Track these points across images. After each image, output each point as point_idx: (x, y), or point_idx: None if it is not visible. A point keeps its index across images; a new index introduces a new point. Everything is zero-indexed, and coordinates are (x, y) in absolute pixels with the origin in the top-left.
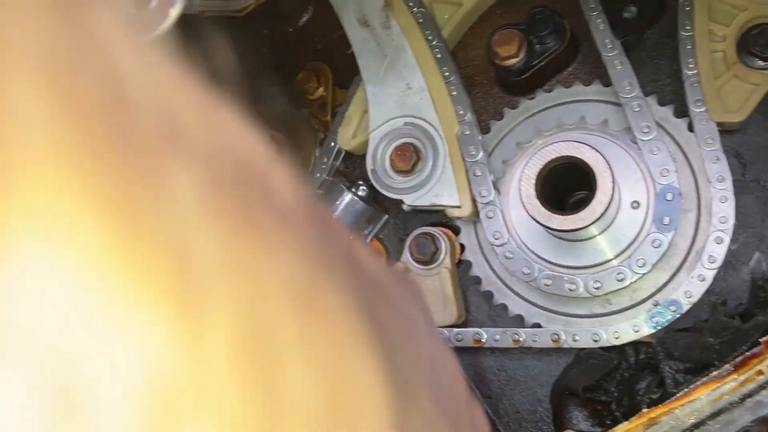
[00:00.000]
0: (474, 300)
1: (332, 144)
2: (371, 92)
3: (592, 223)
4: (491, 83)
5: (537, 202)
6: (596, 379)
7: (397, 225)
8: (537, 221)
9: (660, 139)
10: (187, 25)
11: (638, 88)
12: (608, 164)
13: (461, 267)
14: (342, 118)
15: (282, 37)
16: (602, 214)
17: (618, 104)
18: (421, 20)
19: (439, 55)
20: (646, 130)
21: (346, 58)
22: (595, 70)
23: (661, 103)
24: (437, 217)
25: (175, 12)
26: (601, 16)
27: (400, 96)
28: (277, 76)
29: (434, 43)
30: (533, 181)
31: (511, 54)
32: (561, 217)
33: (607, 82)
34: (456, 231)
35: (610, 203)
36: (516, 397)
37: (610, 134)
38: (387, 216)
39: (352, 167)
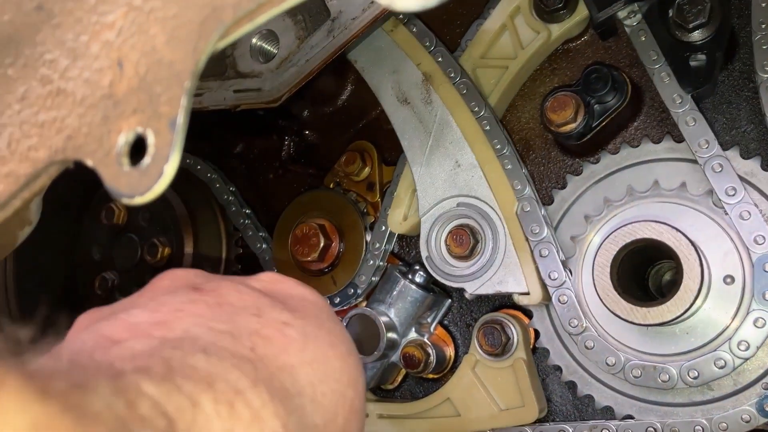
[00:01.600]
0: (556, 389)
1: (383, 228)
2: (418, 173)
3: (681, 314)
4: (550, 146)
5: (615, 294)
6: None
7: (462, 309)
8: (617, 316)
9: (749, 200)
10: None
11: (716, 145)
12: (692, 244)
13: (537, 353)
14: (391, 200)
15: (323, 118)
16: (693, 302)
17: (695, 161)
18: (464, 91)
19: (487, 127)
20: (732, 192)
21: (390, 132)
22: (666, 122)
23: (745, 156)
24: (506, 297)
25: (170, 169)
26: (666, 68)
27: (450, 174)
28: (321, 159)
29: (481, 114)
30: (608, 270)
31: (568, 120)
32: (645, 309)
33: (679, 137)
34: (529, 314)
35: (700, 289)
36: None
37: (689, 199)
38: (450, 300)
39: (407, 248)
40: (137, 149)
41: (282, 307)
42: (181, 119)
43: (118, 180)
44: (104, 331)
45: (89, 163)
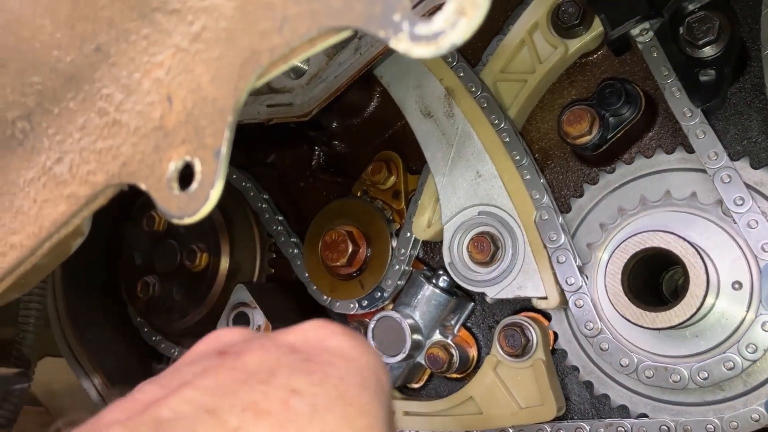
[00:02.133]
0: (574, 388)
1: (408, 234)
2: (440, 183)
3: (688, 319)
4: (568, 156)
5: (626, 300)
6: None
7: (484, 312)
8: (628, 320)
9: (756, 210)
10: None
11: (725, 157)
12: (698, 253)
13: (556, 354)
14: (415, 208)
15: (351, 130)
16: (698, 308)
17: (706, 171)
18: (485, 105)
19: (507, 139)
20: (740, 202)
21: (415, 142)
22: (678, 133)
23: (755, 166)
24: (526, 301)
25: (215, 193)
26: (677, 83)
27: (471, 185)
28: (349, 168)
29: (501, 126)
30: (619, 277)
31: (584, 132)
32: (653, 314)
33: (691, 147)
34: (548, 317)
35: (705, 295)
36: None
37: (700, 208)
38: (473, 304)
39: (432, 253)
40: (185, 175)
41: (301, 370)
42: (225, 150)
43: (169, 203)
44: (105, 413)
45: (143, 187)
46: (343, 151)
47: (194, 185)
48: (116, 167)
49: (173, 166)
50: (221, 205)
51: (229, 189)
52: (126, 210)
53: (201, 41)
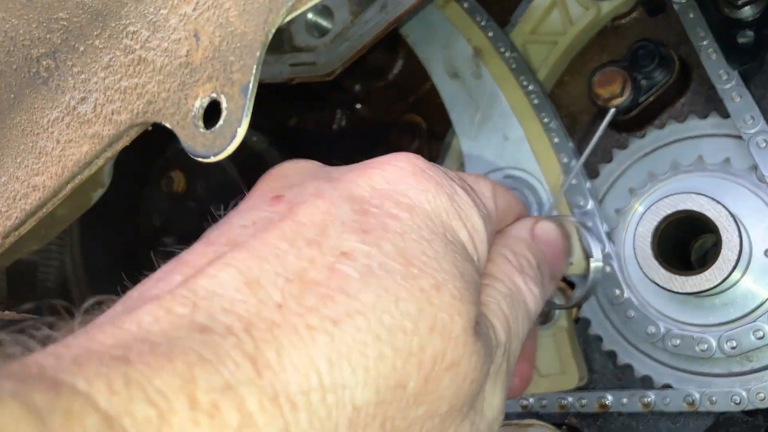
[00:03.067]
0: (597, 358)
1: None
2: (466, 146)
3: (719, 284)
4: (597, 121)
5: (655, 263)
6: None
7: None
8: (656, 284)
9: None
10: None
11: (762, 121)
12: (732, 216)
13: (579, 323)
14: None
15: (374, 93)
16: (730, 273)
17: (741, 137)
18: (513, 66)
19: (536, 101)
20: None
21: (440, 106)
22: (712, 99)
23: None
24: None
25: (242, 130)
26: (713, 44)
27: (498, 148)
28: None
29: (530, 88)
30: (649, 240)
31: (615, 94)
32: (683, 278)
33: (725, 113)
34: (572, 284)
35: (738, 260)
36: None
37: (733, 174)
38: None
39: None
40: (211, 113)
41: (355, 225)
42: (252, 86)
43: (195, 141)
44: (148, 283)
45: (168, 125)
46: (365, 115)
47: (220, 122)
48: (141, 106)
49: (199, 103)
50: (240, 167)
51: (248, 151)
52: (146, 173)
53: None
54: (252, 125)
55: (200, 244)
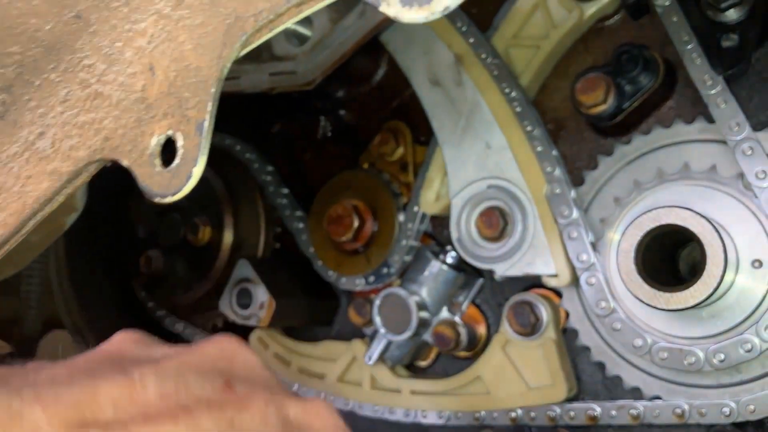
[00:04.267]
0: (586, 368)
1: (415, 208)
2: (449, 155)
3: (704, 300)
4: (582, 127)
5: (639, 279)
6: None
7: (494, 289)
8: (641, 301)
9: None
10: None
11: (747, 128)
12: (716, 231)
13: (567, 334)
14: (423, 180)
15: (357, 99)
16: (716, 288)
17: (727, 143)
18: (495, 72)
19: (518, 109)
20: (762, 176)
21: (423, 112)
22: (698, 102)
23: None
24: (537, 278)
25: (197, 171)
26: (697, 48)
27: (480, 156)
28: (356, 139)
29: (512, 95)
30: (632, 255)
31: (598, 101)
32: (667, 295)
33: (712, 117)
34: (559, 294)
35: (723, 274)
36: None
37: (719, 182)
38: (482, 280)
39: (440, 228)
40: (168, 150)
41: None
42: (207, 124)
43: (152, 180)
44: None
45: (125, 163)
46: (349, 122)
47: (176, 161)
48: (99, 142)
49: (155, 141)
50: (224, 178)
51: (232, 161)
52: (130, 183)
53: (184, 7)
54: (236, 134)
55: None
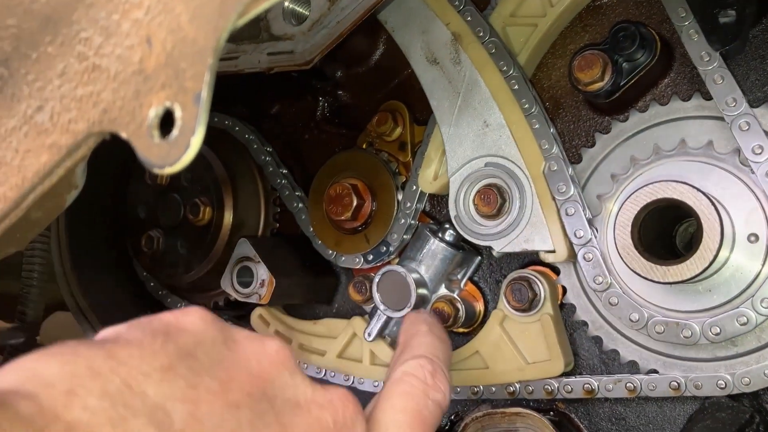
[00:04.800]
0: (583, 343)
1: (414, 187)
2: (447, 133)
3: (700, 273)
4: (580, 104)
5: (635, 253)
6: None
7: (492, 266)
8: (637, 274)
9: None
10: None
11: (744, 104)
12: (713, 204)
13: (565, 309)
14: (421, 160)
15: (356, 79)
16: (712, 261)
17: (724, 119)
18: (493, 50)
19: (516, 87)
20: (759, 151)
21: (422, 92)
22: (695, 79)
23: None
24: (534, 254)
25: (196, 141)
26: (694, 25)
27: (478, 135)
28: (355, 119)
29: (510, 73)
30: (629, 229)
31: (595, 78)
32: (664, 268)
33: (708, 94)
34: (556, 270)
35: (720, 248)
36: None
37: (716, 158)
38: (480, 257)
39: (439, 207)
40: (166, 122)
41: None
42: (205, 94)
43: (150, 151)
44: None
45: (123, 135)
46: (348, 102)
47: (175, 132)
48: (97, 115)
49: (153, 113)
50: (224, 158)
51: (232, 142)
52: (130, 164)
53: None
54: (235, 115)
55: None
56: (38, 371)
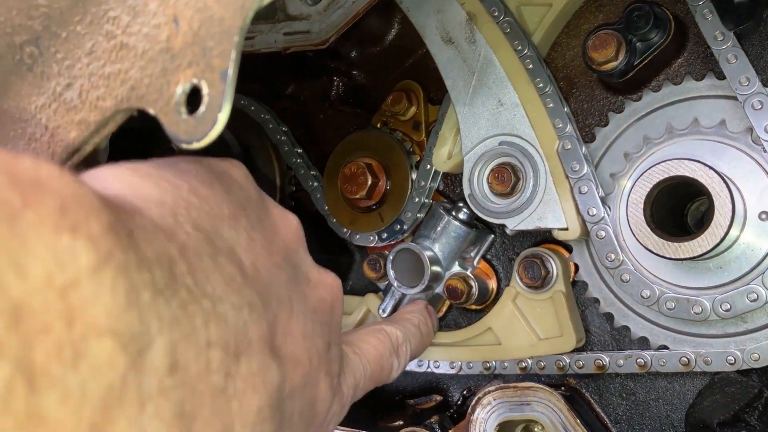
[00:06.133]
0: (594, 320)
1: (428, 166)
2: (461, 112)
3: (712, 248)
4: (593, 84)
5: (648, 230)
6: (734, 410)
7: (505, 244)
8: (649, 250)
9: None
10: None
11: (757, 83)
12: (724, 181)
13: (577, 287)
14: (436, 139)
15: (370, 58)
16: (723, 238)
17: (737, 98)
18: (508, 30)
19: (530, 66)
20: None
21: (436, 71)
22: (709, 59)
23: None
24: (547, 232)
25: (223, 116)
26: (708, 5)
27: (493, 114)
28: (369, 98)
29: (525, 52)
30: (641, 207)
31: (609, 58)
32: (675, 244)
33: (722, 74)
34: (569, 248)
35: (731, 225)
36: (647, 422)
37: (728, 137)
38: (493, 236)
39: (452, 186)
40: (193, 99)
41: None
42: (231, 71)
43: (178, 127)
44: None
45: (151, 111)
46: (362, 82)
47: (202, 108)
48: (125, 92)
49: (180, 89)
50: (240, 138)
51: (248, 122)
52: (148, 144)
53: None
54: (250, 94)
55: None
56: (140, 189)
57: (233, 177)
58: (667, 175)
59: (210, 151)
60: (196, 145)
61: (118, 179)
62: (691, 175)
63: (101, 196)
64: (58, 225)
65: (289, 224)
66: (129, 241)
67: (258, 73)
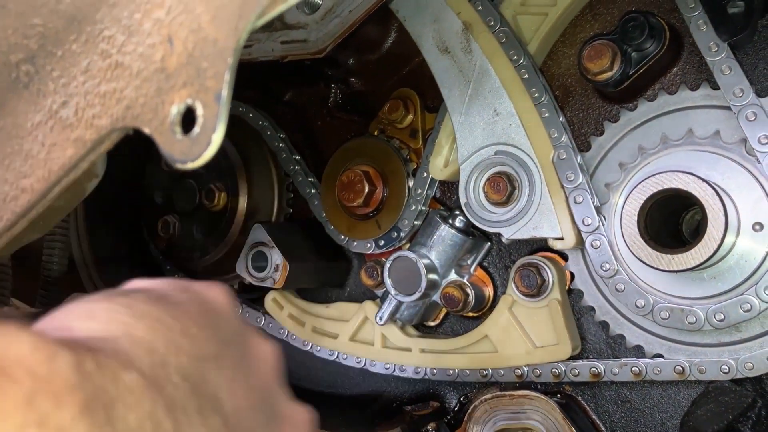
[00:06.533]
0: (590, 328)
1: (425, 174)
2: (457, 122)
3: (705, 261)
4: (589, 92)
5: (641, 242)
6: (728, 420)
7: (501, 252)
8: (643, 262)
9: None
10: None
11: (751, 93)
12: (717, 194)
13: (572, 295)
14: (432, 147)
15: (368, 66)
16: (716, 251)
17: (731, 109)
18: (503, 40)
19: (526, 76)
20: (765, 141)
21: (433, 79)
22: (703, 69)
23: None
24: (543, 241)
25: (217, 137)
26: (703, 16)
27: (488, 123)
28: (366, 106)
29: (520, 62)
30: (635, 219)
31: (604, 68)
32: (669, 256)
33: (716, 84)
34: (565, 257)
35: (724, 237)
36: (642, 430)
37: (722, 148)
38: (490, 243)
39: (449, 193)
40: (188, 118)
41: None
42: (225, 93)
43: (172, 147)
44: None
45: (146, 131)
46: (360, 89)
47: (196, 129)
48: (120, 111)
49: (175, 110)
50: (238, 145)
51: (246, 129)
52: (147, 149)
53: None
54: (248, 101)
55: None
56: (134, 332)
57: (220, 308)
58: (660, 188)
59: (208, 165)
60: (191, 166)
61: (113, 319)
62: (684, 188)
63: (82, 359)
64: (25, 420)
65: (266, 357)
66: (106, 419)
67: (256, 80)
